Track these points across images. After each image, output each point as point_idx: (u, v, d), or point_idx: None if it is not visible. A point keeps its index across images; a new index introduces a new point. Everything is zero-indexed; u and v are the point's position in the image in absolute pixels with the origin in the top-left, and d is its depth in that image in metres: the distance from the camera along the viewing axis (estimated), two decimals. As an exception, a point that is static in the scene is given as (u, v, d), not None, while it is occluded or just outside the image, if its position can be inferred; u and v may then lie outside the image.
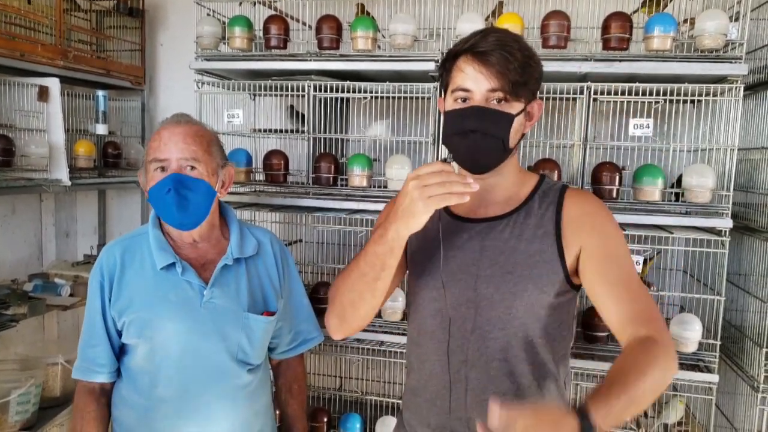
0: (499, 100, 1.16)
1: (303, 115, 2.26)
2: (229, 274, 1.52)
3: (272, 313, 1.56)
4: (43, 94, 2.20)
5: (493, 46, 1.14)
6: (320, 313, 2.05)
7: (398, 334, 2.11)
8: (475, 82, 1.15)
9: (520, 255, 1.21)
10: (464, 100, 1.18)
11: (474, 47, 1.16)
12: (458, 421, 1.24)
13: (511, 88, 1.14)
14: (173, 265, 1.47)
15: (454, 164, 1.13)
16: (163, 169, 1.44)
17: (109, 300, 1.49)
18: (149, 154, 1.47)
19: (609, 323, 1.18)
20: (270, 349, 1.67)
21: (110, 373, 1.52)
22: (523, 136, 1.23)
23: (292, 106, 2.34)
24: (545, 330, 1.21)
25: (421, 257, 1.31)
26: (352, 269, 1.22)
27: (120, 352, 1.53)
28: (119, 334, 1.50)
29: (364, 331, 2.14)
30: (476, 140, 1.17)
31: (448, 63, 1.22)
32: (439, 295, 1.26)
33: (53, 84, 2.22)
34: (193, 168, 1.45)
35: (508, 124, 1.17)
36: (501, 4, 2.14)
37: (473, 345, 1.22)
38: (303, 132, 2.17)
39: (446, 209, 1.31)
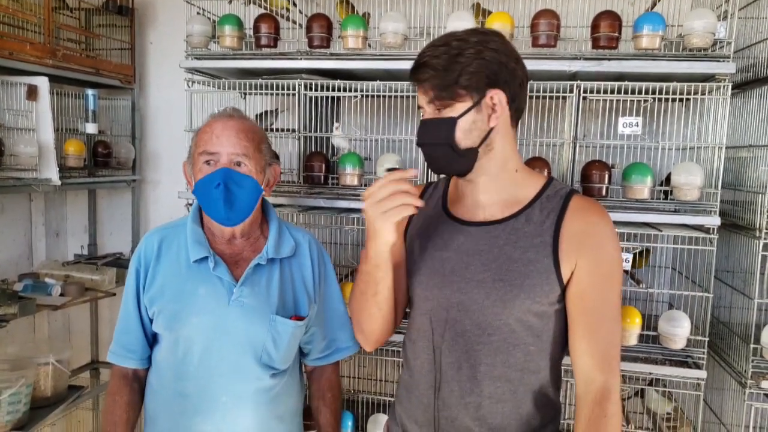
0: (439, 108, 1.19)
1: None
2: (261, 274, 1.49)
3: (301, 318, 1.51)
4: (32, 93, 2.18)
5: (415, 64, 1.20)
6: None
7: (390, 332, 2.11)
8: (421, 101, 1.22)
9: (514, 263, 1.19)
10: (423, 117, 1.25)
11: (411, 72, 1.22)
12: (445, 420, 1.25)
13: (438, 94, 1.18)
14: (206, 258, 1.46)
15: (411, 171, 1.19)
16: (209, 162, 1.43)
17: (143, 287, 1.49)
18: (199, 146, 1.45)
19: (570, 346, 1.23)
20: (304, 355, 1.64)
21: (140, 360, 1.52)
22: (491, 130, 1.19)
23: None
24: (539, 337, 1.21)
25: (417, 255, 1.32)
26: (354, 288, 1.34)
27: (153, 340, 1.54)
28: (152, 321, 1.50)
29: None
30: (428, 151, 1.23)
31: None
32: (431, 295, 1.26)
33: (42, 83, 2.20)
34: (240, 164, 1.44)
35: (450, 127, 1.18)
36: (478, 5, 2.14)
37: (462, 347, 1.22)
38: (293, 131, 2.17)
39: (446, 211, 1.32)
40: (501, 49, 1.18)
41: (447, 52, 1.17)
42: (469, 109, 1.17)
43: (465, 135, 1.18)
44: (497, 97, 1.18)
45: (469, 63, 1.15)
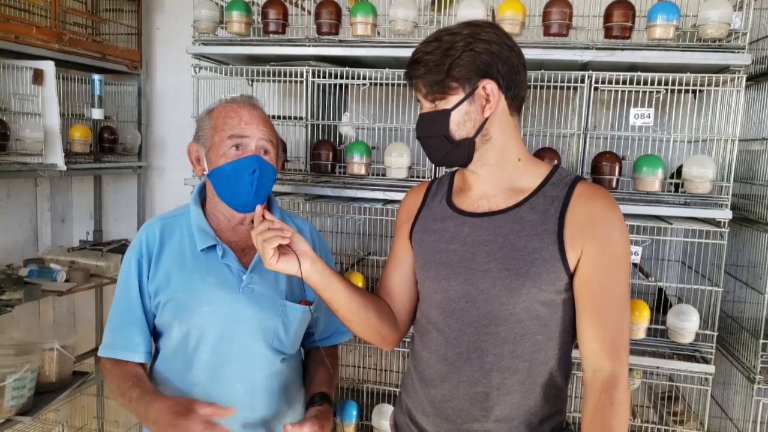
0: (435, 102, 1.23)
1: None
2: None
3: (309, 303, 1.51)
4: (38, 77, 2.17)
5: (409, 62, 1.24)
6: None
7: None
8: (418, 95, 1.27)
9: (519, 252, 1.19)
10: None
11: (406, 69, 1.27)
12: (452, 411, 1.25)
13: (431, 88, 1.21)
14: (213, 247, 1.45)
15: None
16: (238, 147, 1.42)
17: (147, 278, 1.46)
18: (224, 130, 1.43)
19: (578, 333, 1.21)
20: (303, 338, 1.63)
21: (146, 354, 1.48)
22: (485, 120, 1.21)
23: None
24: (546, 326, 1.21)
25: (425, 250, 1.33)
26: None
27: (154, 332, 1.51)
28: (154, 315, 1.48)
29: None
30: (425, 143, 1.28)
31: None
32: (440, 287, 1.27)
33: (48, 67, 2.19)
34: (266, 152, 1.45)
35: (444, 119, 1.21)
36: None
37: (469, 338, 1.22)
38: (301, 119, 2.15)
39: (451, 205, 1.32)
40: (493, 40, 1.18)
41: (438, 47, 1.19)
42: (461, 101, 1.20)
43: (459, 126, 1.21)
44: (489, 87, 1.19)
45: (459, 56, 1.17)
